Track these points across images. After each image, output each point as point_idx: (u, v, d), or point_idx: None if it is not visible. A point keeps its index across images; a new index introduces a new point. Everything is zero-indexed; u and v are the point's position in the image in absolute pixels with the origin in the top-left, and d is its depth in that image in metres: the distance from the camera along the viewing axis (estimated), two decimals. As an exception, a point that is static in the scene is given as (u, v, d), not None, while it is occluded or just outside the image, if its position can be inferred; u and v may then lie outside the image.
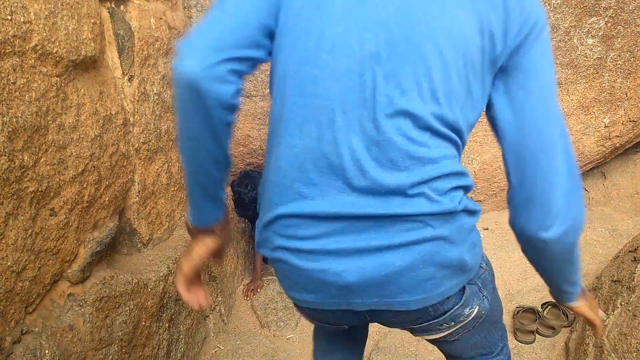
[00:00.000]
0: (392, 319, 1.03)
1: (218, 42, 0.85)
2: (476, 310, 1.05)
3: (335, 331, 1.37)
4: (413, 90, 0.85)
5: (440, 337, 1.09)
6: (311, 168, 0.89)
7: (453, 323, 1.03)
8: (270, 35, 0.92)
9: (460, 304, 1.00)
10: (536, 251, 1.05)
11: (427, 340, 1.14)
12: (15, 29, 1.30)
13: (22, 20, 1.33)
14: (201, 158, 0.95)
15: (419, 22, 0.84)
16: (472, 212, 0.99)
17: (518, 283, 2.86)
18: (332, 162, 0.88)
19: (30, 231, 1.40)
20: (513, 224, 1.07)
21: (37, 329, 1.43)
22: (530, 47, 0.91)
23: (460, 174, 0.96)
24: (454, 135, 0.93)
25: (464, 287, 1.00)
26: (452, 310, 0.99)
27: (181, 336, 2.26)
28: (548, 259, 1.06)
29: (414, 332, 1.11)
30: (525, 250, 1.09)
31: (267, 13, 0.90)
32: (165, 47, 2.22)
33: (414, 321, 1.03)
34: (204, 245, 1.07)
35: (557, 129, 0.94)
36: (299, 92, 0.90)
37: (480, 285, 1.07)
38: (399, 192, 0.87)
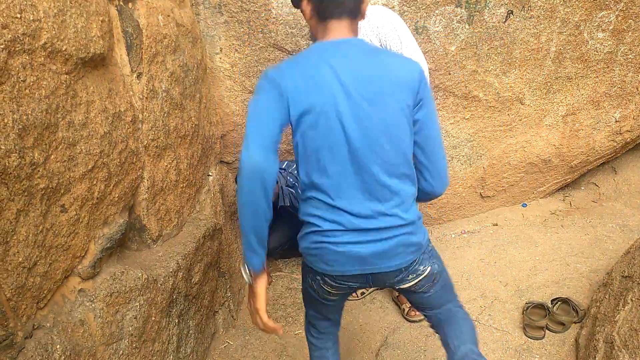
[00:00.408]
0: (382, 279, 1.61)
1: (265, 141, 1.42)
2: (429, 269, 1.64)
3: (325, 313, 1.91)
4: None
5: (410, 286, 1.65)
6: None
7: (415, 275, 1.62)
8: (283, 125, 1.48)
9: (417, 263, 1.61)
10: (429, 199, 1.69)
11: (404, 291, 1.70)
12: (24, 27, 1.31)
13: (31, 18, 1.34)
14: (259, 218, 1.46)
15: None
16: (420, 215, 1.60)
17: (527, 279, 2.85)
18: None
19: (41, 227, 1.41)
20: (425, 188, 1.61)
21: (48, 324, 1.45)
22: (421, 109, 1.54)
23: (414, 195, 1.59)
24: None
25: (420, 256, 1.62)
26: (413, 268, 1.61)
27: (191, 331, 2.27)
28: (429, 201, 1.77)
29: (394, 286, 1.66)
30: (420, 199, 1.64)
31: (280, 115, 1.46)
32: (173, 44, 2.22)
33: (393, 278, 1.61)
34: (263, 282, 1.62)
35: (440, 145, 1.60)
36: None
37: (429, 255, 1.65)
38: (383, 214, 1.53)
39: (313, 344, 1.99)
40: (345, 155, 1.46)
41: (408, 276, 1.61)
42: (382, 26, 2.27)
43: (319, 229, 1.54)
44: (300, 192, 1.65)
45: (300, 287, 3.10)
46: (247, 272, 1.60)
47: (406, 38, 2.28)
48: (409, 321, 2.71)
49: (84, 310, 1.60)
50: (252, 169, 1.39)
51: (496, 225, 3.43)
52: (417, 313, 2.66)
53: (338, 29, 1.52)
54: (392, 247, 1.52)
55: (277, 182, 2.90)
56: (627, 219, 3.26)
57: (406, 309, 2.75)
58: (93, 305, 1.63)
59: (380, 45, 2.29)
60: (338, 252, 1.53)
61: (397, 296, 2.84)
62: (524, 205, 3.61)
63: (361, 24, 1.94)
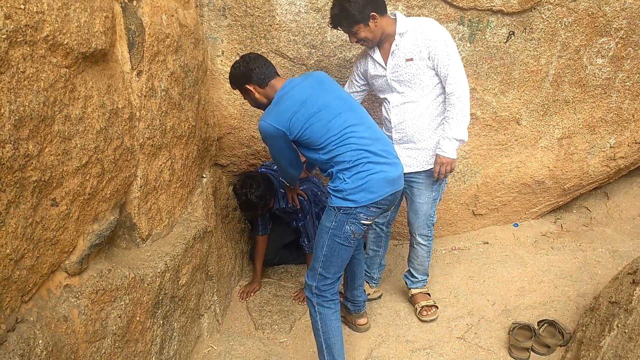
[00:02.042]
0: (398, 197, 2.26)
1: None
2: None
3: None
4: None
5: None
6: None
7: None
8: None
9: None
10: None
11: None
12: (27, 18, 1.31)
13: (35, 10, 1.34)
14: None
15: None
16: None
17: (515, 299, 2.85)
18: None
19: (30, 220, 1.40)
20: None
21: (32, 318, 1.43)
22: None
23: None
24: None
25: None
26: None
27: (175, 334, 2.25)
28: None
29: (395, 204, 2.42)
30: None
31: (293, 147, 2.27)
32: (175, 44, 2.23)
33: (399, 196, 2.30)
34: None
35: None
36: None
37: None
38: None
39: (332, 308, 2.25)
40: None
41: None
42: (434, 39, 2.33)
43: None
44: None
45: (288, 294, 3.09)
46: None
47: (454, 55, 2.35)
48: (421, 320, 2.75)
49: (68, 306, 1.58)
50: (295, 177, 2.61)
51: (487, 243, 3.44)
52: (430, 313, 2.75)
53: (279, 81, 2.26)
54: (401, 169, 2.20)
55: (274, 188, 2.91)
56: (617, 245, 3.27)
57: (419, 309, 2.78)
58: (78, 301, 1.61)
59: (429, 57, 2.36)
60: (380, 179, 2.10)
61: (412, 296, 2.86)
62: (516, 225, 3.62)
63: (413, 34, 2.37)
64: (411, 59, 2.37)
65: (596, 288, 2.78)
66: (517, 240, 3.45)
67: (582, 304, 2.70)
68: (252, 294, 3.10)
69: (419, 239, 2.73)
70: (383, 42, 2.43)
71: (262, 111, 2.28)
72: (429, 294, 2.85)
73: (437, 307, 2.78)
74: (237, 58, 2.82)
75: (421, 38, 2.34)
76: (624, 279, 2.22)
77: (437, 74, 2.40)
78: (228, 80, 2.87)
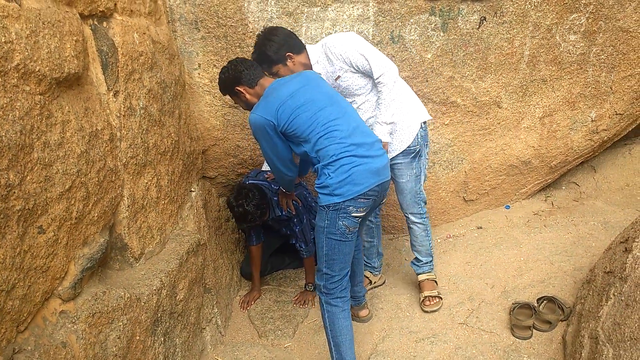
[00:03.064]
0: (385, 187, 2.28)
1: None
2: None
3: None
4: None
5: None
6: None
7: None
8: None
9: None
10: None
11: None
12: (-5, 49, 1.31)
13: (3, 40, 1.34)
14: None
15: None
16: None
17: (513, 280, 2.87)
18: None
19: (18, 249, 1.40)
20: None
21: (29, 347, 1.43)
22: None
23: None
24: None
25: None
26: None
27: (177, 349, 2.25)
28: None
29: (384, 197, 2.36)
30: None
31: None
32: (150, 61, 2.23)
33: (387, 187, 2.30)
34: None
35: None
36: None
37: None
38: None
39: (339, 307, 2.29)
40: None
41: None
42: (344, 51, 2.48)
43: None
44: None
45: (288, 299, 3.09)
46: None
47: (366, 50, 2.48)
48: (423, 311, 2.78)
49: (65, 332, 1.58)
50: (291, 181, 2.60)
51: (480, 228, 3.46)
52: (432, 303, 2.78)
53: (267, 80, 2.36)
54: (386, 160, 2.25)
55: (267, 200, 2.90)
56: (608, 216, 3.30)
57: (422, 298, 2.81)
58: (75, 326, 1.61)
59: (350, 65, 2.51)
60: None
61: (419, 283, 2.89)
62: (507, 207, 3.64)
63: (325, 58, 2.58)
64: (338, 77, 2.55)
65: (591, 260, 2.80)
66: (510, 221, 3.47)
67: (579, 277, 2.72)
68: (252, 303, 3.10)
69: (412, 218, 2.78)
70: None
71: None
72: (435, 282, 2.88)
73: (440, 297, 2.80)
74: (215, 69, 2.84)
75: (333, 57, 2.51)
76: (617, 249, 2.24)
77: (365, 74, 2.53)
78: (209, 92, 2.90)
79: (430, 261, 2.89)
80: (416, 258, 2.89)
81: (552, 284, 2.75)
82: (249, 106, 2.36)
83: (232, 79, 2.33)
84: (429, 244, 2.85)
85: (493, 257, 3.11)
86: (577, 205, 3.53)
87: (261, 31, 2.52)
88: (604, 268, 2.25)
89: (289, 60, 2.51)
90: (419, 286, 2.90)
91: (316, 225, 2.25)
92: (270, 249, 3.36)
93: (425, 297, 2.79)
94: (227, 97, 2.51)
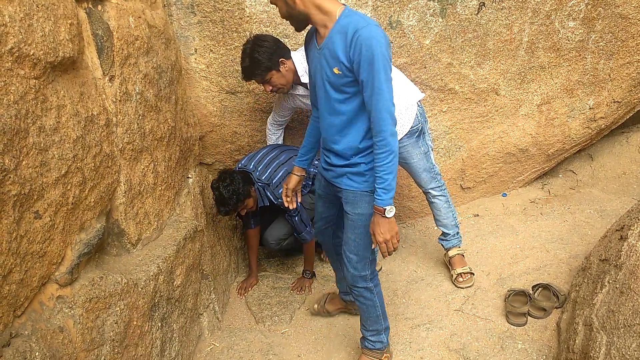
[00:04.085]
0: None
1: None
2: None
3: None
4: None
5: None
6: None
7: None
8: None
9: None
10: None
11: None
12: (-11, 32, 1.29)
13: (-4, 23, 1.32)
14: None
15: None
16: None
17: (509, 267, 2.88)
18: None
19: (14, 234, 1.40)
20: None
21: (26, 332, 1.43)
22: None
23: None
24: None
25: None
26: None
27: (175, 335, 2.26)
28: None
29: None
30: None
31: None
32: (145, 45, 2.21)
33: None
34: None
35: None
36: None
37: None
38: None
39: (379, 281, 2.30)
40: None
41: None
42: None
43: None
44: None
45: (285, 285, 3.10)
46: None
47: None
48: (457, 287, 2.82)
49: (63, 316, 1.58)
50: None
51: (477, 215, 3.47)
52: (465, 279, 2.82)
53: None
54: None
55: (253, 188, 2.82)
56: (604, 204, 3.32)
57: (454, 275, 2.85)
58: (72, 311, 1.61)
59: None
60: None
61: (449, 260, 2.92)
62: (504, 195, 3.65)
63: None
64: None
65: (587, 248, 2.82)
66: (507, 209, 3.48)
67: (574, 265, 2.74)
68: (249, 289, 3.11)
69: (433, 192, 2.80)
70: (295, 83, 2.67)
71: None
72: (463, 255, 2.91)
73: (472, 273, 2.83)
74: (211, 54, 2.81)
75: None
76: (612, 236, 2.25)
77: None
78: (205, 78, 2.88)
79: (457, 233, 2.90)
80: (443, 233, 2.91)
81: (548, 271, 2.77)
82: (290, 13, 1.83)
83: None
84: (453, 215, 2.86)
85: (489, 244, 3.13)
86: (574, 193, 3.54)
87: (248, 40, 2.51)
88: (599, 256, 2.27)
89: (281, 65, 2.52)
90: (449, 262, 2.91)
91: (358, 215, 2.03)
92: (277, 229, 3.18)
93: (458, 274, 2.82)
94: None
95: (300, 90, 2.73)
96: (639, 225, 2.06)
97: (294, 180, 2.31)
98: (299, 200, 2.41)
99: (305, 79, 2.58)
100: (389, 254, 1.96)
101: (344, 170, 2.01)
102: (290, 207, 2.37)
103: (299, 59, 2.58)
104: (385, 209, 1.86)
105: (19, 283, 1.42)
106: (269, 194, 2.82)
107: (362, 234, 2.05)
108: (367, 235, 2.03)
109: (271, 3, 1.88)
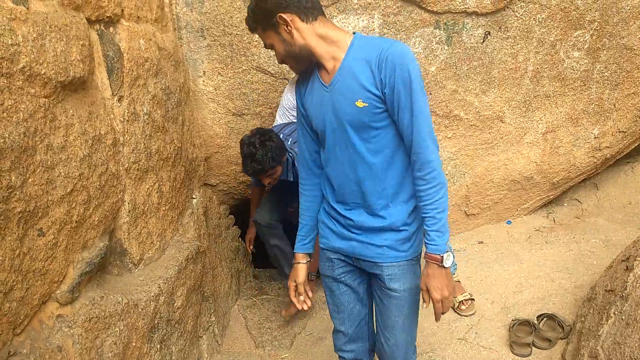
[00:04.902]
0: None
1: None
2: None
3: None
4: None
5: None
6: None
7: None
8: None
9: None
10: None
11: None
12: (2, 51, 1.32)
13: (9, 42, 1.34)
14: None
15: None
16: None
17: (514, 296, 2.85)
18: None
19: (17, 251, 1.39)
20: None
21: (25, 351, 1.41)
22: None
23: None
24: None
25: None
26: None
27: (173, 357, 2.23)
28: None
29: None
30: None
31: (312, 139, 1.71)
32: (155, 67, 2.24)
33: None
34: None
35: None
36: None
37: None
38: None
39: None
40: None
41: None
42: None
43: None
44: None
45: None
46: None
47: None
48: (460, 315, 2.78)
49: (62, 336, 1.56)
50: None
51: (482, 242, 3.45)
52: (468, 307, 2.76)
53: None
54: None
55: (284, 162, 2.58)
56: (609, 234, 3.29)
57: (456, 303, 2.80)
58: (71, 331, 1.60)
59: None
60: None
61: None
62: (509, 223, 3.63)
63: None
64: None
65: (592, 278, 2.79)
66: (511, 237, 3.46)
67: (579, 295, 2.71)
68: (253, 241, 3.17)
69: None
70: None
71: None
72: (460, 281, 2.88)
73: (473, 299, 2.81)
74: (219, 77, 2.85)
75: None
76: (618, 267, 2.23)
77: None
78: (213, 100, 2.91)
79: (454, 259, 2.87)
80: None
81: (553, 301, 2.73)
82: (289, 52, 1.53)
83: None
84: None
85: (494, 272, 3.10)
86: (579, 222, 3.52)
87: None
88: (604, 286, 2.24)
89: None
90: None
91: (410, 290, 1.63)
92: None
93: (460, 301, 2.79)
94: (256, 35, 1.83)
95: None
96: (645, 256, 2.04)
97: (302, 271, 1.82)
98: (310, 295, 1.87)
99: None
100: (443, 314, 1.57)
101: (382, 238, 1.60)
102: (305, 309, 1.86)
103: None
104: (442, 257, 1.48)
105: (19, 301, 1.41)
106: (297, 168, 2.51)
107: (412, 313, 1.68)
108: (416, 312, 1.69)
109: (266, 47, 1.59)
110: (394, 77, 1.42)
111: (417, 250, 1.64)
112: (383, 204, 1.58)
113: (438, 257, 1.48)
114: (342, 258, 1.71)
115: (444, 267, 1.49)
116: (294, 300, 1.86)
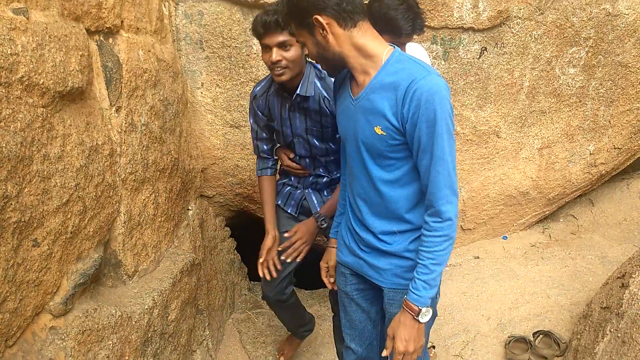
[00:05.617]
0: None
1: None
2: None
3: None
4: None
5: None
6: None
7: None
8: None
9: None
10: None
11: None
12: (1, 60, 1.31)
13: (8, 52, 1.34)
14: None
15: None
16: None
17: (509, 312, 2.84)
18: None
19: (12, 262, 1.38)
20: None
21: (16, 364, 1.39)
22: None
23: None
24: None
25: None
26: None
27: (167, 371, 2.20)
28: None
29: None
30: None
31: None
32: (153, 78, 2.24)
33: None
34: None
35: None
36: None
37: None
38: None
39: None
40: None
41: None
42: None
43: None
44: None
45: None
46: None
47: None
48: None
49: (54, 348, 1.54)
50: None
51: (477, 258, 3.44)
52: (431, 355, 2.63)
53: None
54: None
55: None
56: (605, 251, 3.29)
57: None
58: (64, 343, 1.58)
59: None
60: None
61: None
62: (505, 238, 3.63)
63: None
64: None
65: (588, 295, 2.79)
66: (507, 252, 3.46)
67: (575, 312, 2.70)
68: (269, 254, 2.26)
69: None
70: None
71: None
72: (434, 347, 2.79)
73: (434, 346, 2.72)
74: (218, 89, 2.85)
75: None
76: (614, 284, 2.23)
77: None
78: (210, 111, 2.90)
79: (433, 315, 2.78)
80: None
81: (549, 317, 2.72)
82: (322, 56, 1.43)
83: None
84: None
85: (490, 288, 3.09)
86: (575, 238, 3.53)
87: None
88: (600, 303, 2.24)
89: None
90: None
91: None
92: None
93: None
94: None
95: None
96: (641, 273, 2.04)
97: (335, 255, 1.80)
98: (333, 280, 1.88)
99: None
100: None
101: (387, 262, 1.56)
102: (336, 288, 1.83)
103: None
104: (420, 310, 1.40)
105: (12, 312, 1.39)
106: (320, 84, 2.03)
107: None
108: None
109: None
110: (417, 114, 1.31)
111: None
112: (388, 230, 1.52)
113: (416, 309, 1.40)
114: (354, 273, 1.68)
115: (418, 321, 1.41)
116: (325, 280, 1.84)
